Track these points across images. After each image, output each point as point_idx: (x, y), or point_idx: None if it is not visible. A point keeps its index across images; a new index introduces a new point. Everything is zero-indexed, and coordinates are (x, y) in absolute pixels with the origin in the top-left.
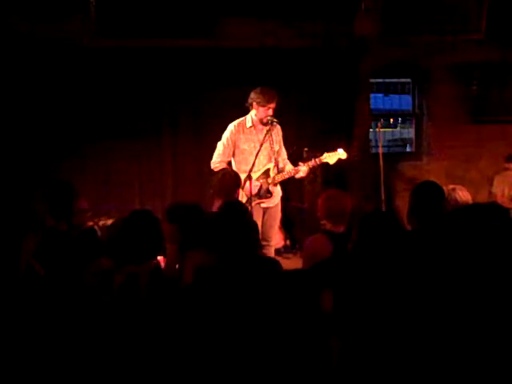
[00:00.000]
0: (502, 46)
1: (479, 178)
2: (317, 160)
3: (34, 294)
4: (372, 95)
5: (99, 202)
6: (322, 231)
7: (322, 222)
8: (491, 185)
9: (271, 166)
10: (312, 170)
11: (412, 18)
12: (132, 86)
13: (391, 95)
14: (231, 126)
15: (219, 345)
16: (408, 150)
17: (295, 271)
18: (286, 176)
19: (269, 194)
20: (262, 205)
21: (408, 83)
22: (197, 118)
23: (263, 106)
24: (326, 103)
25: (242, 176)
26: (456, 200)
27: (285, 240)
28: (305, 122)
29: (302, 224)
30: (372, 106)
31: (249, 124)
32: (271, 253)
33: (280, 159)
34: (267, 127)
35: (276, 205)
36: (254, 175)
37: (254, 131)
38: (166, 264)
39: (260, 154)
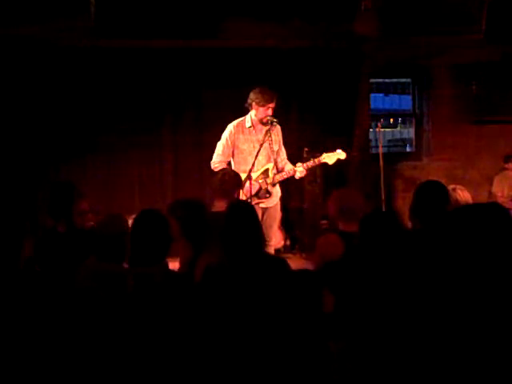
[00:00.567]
0: (502, 46)
1: (479, 178)
2: (316, 160)
3: (33, 293)
4: (372, 95)
5: (100, 202)
6: (333, 231)
7: (334, 222)
8: (491, 185)
9: (270, 166)
10: (311, 170)
11: (412, 18)
12: (132, 87)
13: (391, 95)
14: (230, 127)
15: (226, 342)
16: (408, 150)
17: (302, 271)
18: (285, 176)
19: (268, 194)
20: (261, 205)
21: (408, 83)
22: (197, 118)
23: (263, 106)
24: (326, 103)
25: (242, 176)
26: (456, 200)
27: (285, 240)
28: (305, 122)
29: (302, 224)
30: (372, 106)
31: (248, 124)
32: (271, 253)
33: (279, 159)
34: (267, 127)
35: (275, 205)
36: (254, 175)
37: (254, 131)
38: (180, 264)
39: (259, 154)
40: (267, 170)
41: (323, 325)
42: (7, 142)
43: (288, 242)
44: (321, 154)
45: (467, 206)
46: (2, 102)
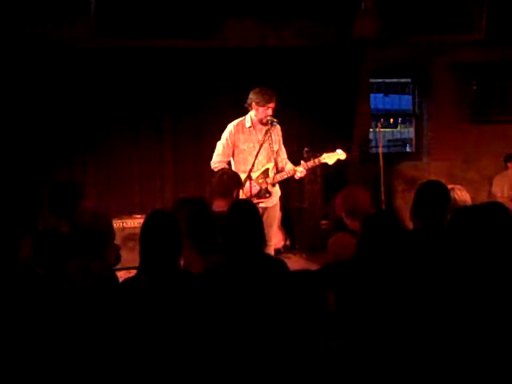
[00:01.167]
0: (502, 46)
1: (479, 178)
2: (315, 160)
3: (33, 293)
4: (372, 95)
5: (100, 202)
6: (342, 229)
7: (341, 220)
8: (491, 185)
9: (270, 165)
10: (311, 171)
11: (412, 17)
12: (132, 87)
13: (391, 95)
14: (230, 126)
15: (226, 342)
16: (408, 150)
17: (303, 271)
18: (285, 176)
19: (267, 194)
20: (261, 205)
21: (408, 83)
22: (197, 118)
23: (262, 106)
24: (326, 103)
25: (242, 176)
26: (454, 199)
27: (285, 240)
28: (305, 122)
29: (302, 224)
30: (372, 106)
31: (248, 124)
32: (270, 253)
33: (279, 159)
34: (267, 127)
35: (275, 205)
36: (253, 175)
37: (254, 131)
38: (185, 264)
39: (259, 153)
40: (267, 170)
41: (326, 325)
42: (7, 142)
43: (288, 242)
44: (321, 154)
45: (469, 207)
46: (3, 102)
